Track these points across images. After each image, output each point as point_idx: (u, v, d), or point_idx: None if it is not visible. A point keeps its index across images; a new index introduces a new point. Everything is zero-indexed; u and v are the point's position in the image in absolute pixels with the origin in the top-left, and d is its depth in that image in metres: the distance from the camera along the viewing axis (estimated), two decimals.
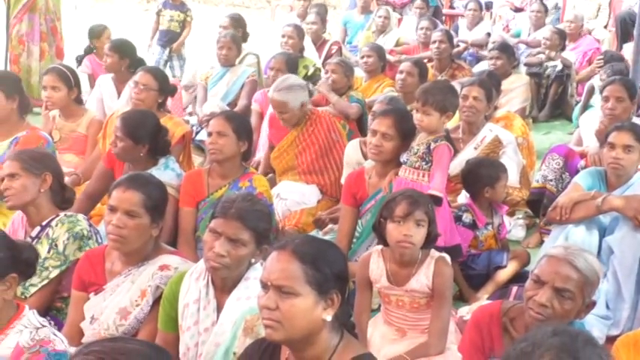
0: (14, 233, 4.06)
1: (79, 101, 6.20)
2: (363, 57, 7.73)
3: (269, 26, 14.43)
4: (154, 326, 3.46)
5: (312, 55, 8.93)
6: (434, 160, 4.51)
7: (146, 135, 4.81)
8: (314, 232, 5.35)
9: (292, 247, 2.55)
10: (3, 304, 2.76)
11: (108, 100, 6.96)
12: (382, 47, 8.22)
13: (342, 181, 5.61)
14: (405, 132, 4.66)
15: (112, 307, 3.53)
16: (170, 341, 3.35)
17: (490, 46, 8.70)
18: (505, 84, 7.34)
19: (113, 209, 3.50)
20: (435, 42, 8.25)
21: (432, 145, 4.53)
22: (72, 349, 2.79)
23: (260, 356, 2.73)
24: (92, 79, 8.22)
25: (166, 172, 4.86)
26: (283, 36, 8.35)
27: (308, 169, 5.85)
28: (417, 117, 4.61)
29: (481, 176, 5.00)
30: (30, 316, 2.84)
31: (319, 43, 9.68)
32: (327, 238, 5.04)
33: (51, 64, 7.86)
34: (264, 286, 2.54)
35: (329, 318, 2.53)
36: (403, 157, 4.69)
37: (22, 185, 3.92)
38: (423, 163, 4.54)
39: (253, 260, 3.34)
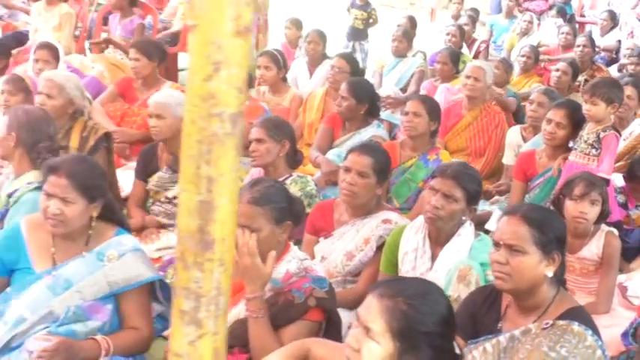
0: None
1: (284, 80, 6.39)
2: (523, 56, 7.66)
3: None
4: (375, 268, 3.57)
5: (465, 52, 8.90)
6: (603, 147, 4.47)
7: (366, 96, 5.08)
8: (481, 202, 5.36)
9: (522, 213, 2.60)
10: (277, 244, 2.90)
11: (301, 80, 7.13)
12: (538, 50, 8.11)
13: (503, 160, 5.64)
14: (577, 122, 4.65)
15: (339, 250, 3.66)
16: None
17: (626, 51, 8.43)
18: None
19: (348, 169, 3.62)
20: (579, 45, 8.08)
21: (602, 134, 4.49)
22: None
23: (484, 300, 2.79)
24: None
25: (379, 130, 5.23)
26: (448, 34, 8.35)
27: (475, 152, 5.84)
28: (585, 107, 4.58)
29: None
30: (296, 251, 2.99)
31: (469, 41, 9.62)
32: (494, 207, 5.09)
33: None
34: (496, 244, 2.60)
35: (550, 274, 2.56)
36: (572, 144, 4.67)
37: (266, 149, 4.08)
38: (593, 150, 4.50)
39: (464, 218, 3.39)
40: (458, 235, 3.36)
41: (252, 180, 3.03)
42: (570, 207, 3.74)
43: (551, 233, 2.58)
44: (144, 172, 4.45)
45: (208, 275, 0.89)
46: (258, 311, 2.76)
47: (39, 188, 3.45)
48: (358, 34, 9.48)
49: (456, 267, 3.19)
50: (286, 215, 2.89)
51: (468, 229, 3.37)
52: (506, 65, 6.84)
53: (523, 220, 2.57)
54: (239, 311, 2.90)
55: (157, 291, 3.13)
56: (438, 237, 3.38)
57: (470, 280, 3.13)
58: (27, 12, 8.21)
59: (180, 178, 0.89)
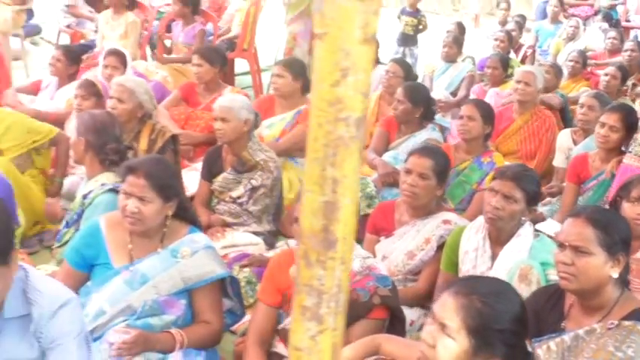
0: None
1: None
2: (571, 61, 7.54)
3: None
4: (436, 267, 3.55)
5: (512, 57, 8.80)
6: None
7: (422, 100, 5.05)
8: None
9: (586, 215, 2.55)
10: None
11: None
12: (586, 55, 7.97)
13: (554, 163, 5.56)
14: (630, 125, 4.55)
15: (400, 249, 3.64)
16: (450, 280, 3.42)
17: None
18: None
19: (409, 171, 3.60)
20: (627, 50, 7.94)
21: None
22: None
23: (547, 300, 2.75)
24: None
25: (434, 133, 5.19)
26: (496, 39, 8.27)
27: (526, 155, 5.77)
28: None
29: None
30: (359, 249, 2.99)
31: (516, 47, 9.51)
32: (545, 209, 5.02)
33: None
34: (561, 245, 2.56)
35: (615, 275, 2.51)
36: (625, 147, 4.58)
37: None
38: None
39: (524, 218, 3.35)
40: (518, 235, 3.32)
41: None
42: (628, 209, 3.64)
43: (617, 235, 2.53)
44: (209, 173, 4.50)
45: (330, 273, 0.90)
46: None
47: (112, 190, 3.53)
48: (408, 40, 9.42)
49: (517, 266, 3.16)
50: None
51: (527, 229, 3.33)
52: (556, 70, 6.76)
53: (588, 221, 2.53)
54: None
55: (227, 287, 3.16)
56: (498, 237, 3.34)
57: (531, 280, 3.09)
58: (93, 20, 8.36)
59: (305, 179, 0.89)
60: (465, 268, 3.38)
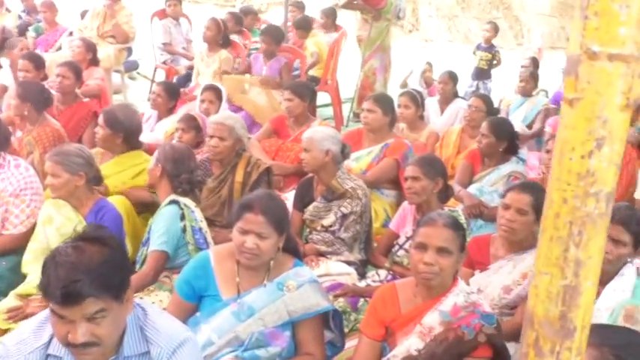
0: (404, 218, 4.10)
1: (421, 117, 6.23)
2: None
3: None
4: None
5: None
6: None
7: (506, 134, 4.92)
8: None
9: None
10: (454, 274, 2.77)
11: (433, 117, 6.95)
12: None
13: (636, 196, 5.25)
14: None
15: (496, 284, 3.44)
16: None
17: None
18: None
19: (507, 207, 3.41)
20: None
21: None
22: None
23: None
24: None
25: (518, 166, 5.06)
26: None
27: None
28: None
29: None
30: (463, 285, 2.81)
31: None
32: None
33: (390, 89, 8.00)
34: None
35: None
36: None
37: (421, 187, 3.92)
38: None
39: (629, 259, 3.12)
40: (621, 274, 3.10)
41: (437, 212, 2.93)
42: None
43: None
44: (301, 203, 4.38)
45: None
46: None
47: (172, 202, 3.65)
48: (482, 74, 9.21)
49: (621, 306, 2.93)
50: (464, 244, 2.77)
51: (630, 269, 3.11)
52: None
53: None
54: (410, 344, 2.74)
55: (329, 319, 3.01)
56: (601, 277, 3.09)
57: (637, 319, 2.86)
58: (187, 57, 8.41)
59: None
60: None
